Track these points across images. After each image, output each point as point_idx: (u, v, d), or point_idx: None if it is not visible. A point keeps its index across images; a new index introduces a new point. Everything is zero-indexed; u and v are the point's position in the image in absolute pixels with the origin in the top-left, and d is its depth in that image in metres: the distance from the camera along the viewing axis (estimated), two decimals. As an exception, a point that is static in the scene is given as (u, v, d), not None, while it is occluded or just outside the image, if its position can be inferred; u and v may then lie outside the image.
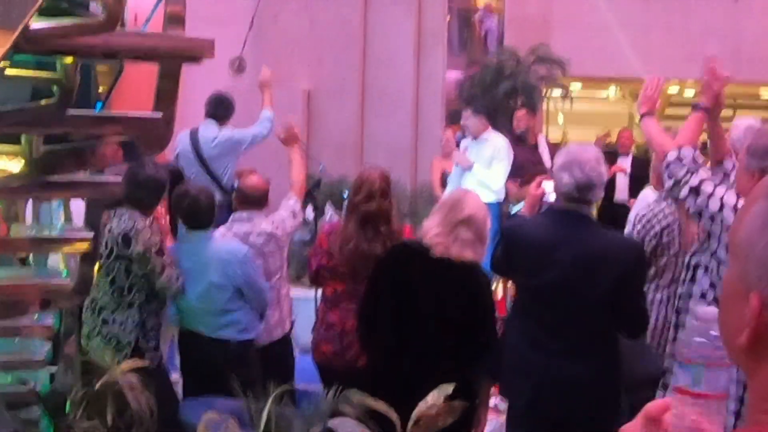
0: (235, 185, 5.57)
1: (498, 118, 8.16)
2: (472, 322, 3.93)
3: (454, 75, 11.49)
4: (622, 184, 9.90)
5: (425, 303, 3.94)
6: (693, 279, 3.59)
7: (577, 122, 13.87)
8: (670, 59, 11.18)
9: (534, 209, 4.25)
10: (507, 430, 3.99)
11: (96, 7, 2.56)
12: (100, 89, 3.34)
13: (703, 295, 3.53)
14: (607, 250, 3.67)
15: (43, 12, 2.23)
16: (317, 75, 9.85)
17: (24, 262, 4.40)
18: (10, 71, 2.74)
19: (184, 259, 4.69)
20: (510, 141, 7.97)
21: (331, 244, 4.67)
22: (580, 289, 3.64)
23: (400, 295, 3.98)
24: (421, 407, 3.30)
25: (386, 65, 9.86)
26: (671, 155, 3.51)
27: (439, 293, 3.93)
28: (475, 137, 7.78)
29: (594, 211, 4.22)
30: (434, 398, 3.31)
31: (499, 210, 7.42)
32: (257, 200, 5.05)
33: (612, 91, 15.28)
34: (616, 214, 8.35)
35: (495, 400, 4.91)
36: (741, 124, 4.51)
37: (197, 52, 2.65)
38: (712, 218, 3.39)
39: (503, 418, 4.24)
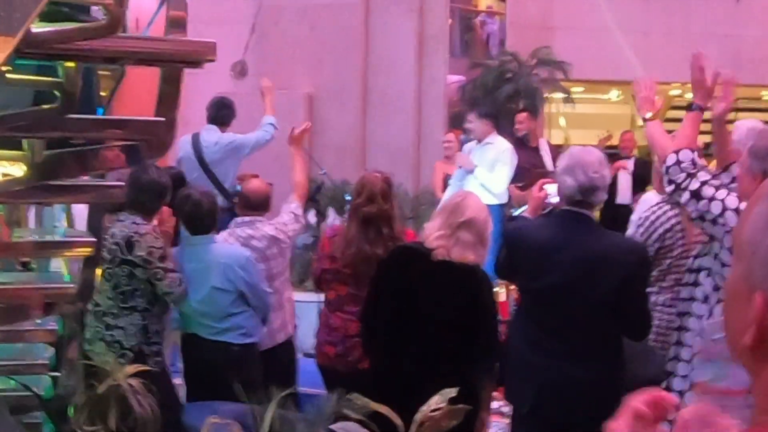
0: (238, 189, 5.57)
1: (500, 121, 8.15)
2: (473, 324, 3.93)
3: (456, 78, 11.49)
4: (624, 185, 9.90)
5: (427, 305, 3.94)
6: (696, 282, 3.58)
7: (578, 125, 13.86)
8: (671, 61, 11.15)
9: (537, 211, 4.26)
10: (510, 433, 3.99)
11: (98, 12, 2.56)
12: (103, 93, 3.34)
13: (706, 298, 3.52)
14: (609, 253, 3.67)
15: (45, 16, 2.23)
16: (319, 79, 9.84)
17: (27, 266, 4.40)
18: (11, 76, 2.74)
19: (187, 263, 4.69)
20: (512, 144, 7.97)
21: (333, 247, 4.68)
22: (582, 291, 3.64)
23: (401, 298, 3.99)
24: (424, 410, 3.29)
25: (388, 69, 9.86)
26: (670, 160, 3.50)
27: (440, 295, 3.93)
28: (480, 141, 7.78)
29: (596, 213, 4.21)
30: (437, 401, 3.30)
31: (501, 213, 7.42)
32: (259, 204, 5.05)
33: (613, 93, 15.27)
34: (617, 215, 8.34)
35: (499, 403, 4.91)
36: (743, 126, 4.49)
37: (199, 56, 2.65)
38: (714, 222, 3.38)
39: (507, 421, 4.24)
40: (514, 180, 7.75)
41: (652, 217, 4.77)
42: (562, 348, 3.69)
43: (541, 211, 4.27)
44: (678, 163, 3.47)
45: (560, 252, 3.67)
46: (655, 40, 11.97)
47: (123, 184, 3.84)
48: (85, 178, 3.28)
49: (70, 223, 4.39)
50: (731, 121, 3.96)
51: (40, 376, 4.06)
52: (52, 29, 2.32)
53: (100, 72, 3.29)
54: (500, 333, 4.33)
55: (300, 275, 7.68)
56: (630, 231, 5.00)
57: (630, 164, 10.12)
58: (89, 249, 3.31)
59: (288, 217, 5.09)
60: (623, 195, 9.78)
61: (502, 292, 6.14)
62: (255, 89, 7.47)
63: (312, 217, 7.94)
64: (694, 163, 3.47)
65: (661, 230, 4.71)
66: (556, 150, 9.04)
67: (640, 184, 9.34)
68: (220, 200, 5.49)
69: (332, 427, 3.52)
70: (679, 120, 3.92)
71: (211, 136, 7.16)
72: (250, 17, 9.73)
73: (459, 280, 3.91)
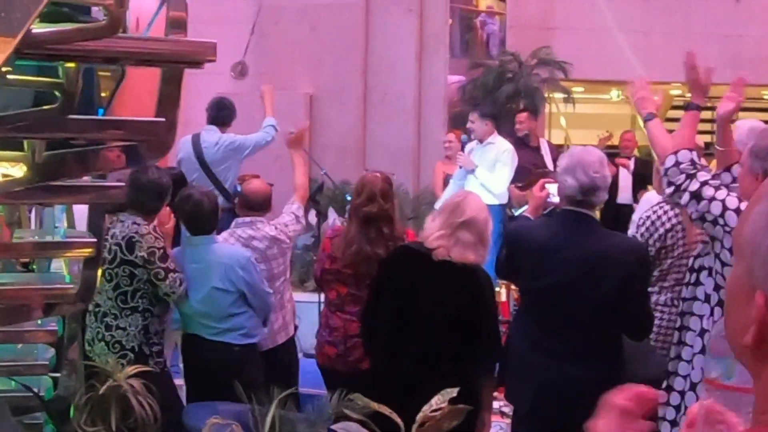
0: (238, 190, 5.58)
1: (500, 121, 8.16)
2: (474, 324, 3.93)
3: (456, 78, 11.49)
4: (625, 185, 9.91)
5: (427, 305, 3.94)
6: (697, 281, 3.58)
7: (579, 125, 13.86)
8: (672, 62, 11.12)
9: (538, 211, 4.26)
10: (511, 433, 3.99)
11: (98, 12, 2.55)
12: (103, 94, 3.34)
13: (707, 298, 3.51)
14: (610, 253, 3.67)
15: (45, 17, 2.22)
16: (319, 79, 9.84)
17: (27, 267, 4.40)
18: (12, 77, 2.74)
19: (187, 264, 4.68)
20: (512, 144, 7.97)
21: (334, 247, 4.68)
22: (583, 291, 3.64)
23: (402, 298, 3.99)
24: (425, 410, 3.29)
25: (388, 69, 9.85)
26: (668, 161, 3.49)
27: (441, 295, 3.93)
28: (481, 141, 7.79)
29: (597, 213, 4.21)
30: (438, 401, 3.30)
31: (502, 213, 7.42)
32: (260, 205, 5.05)
33: (614, 93, 15.27)
34: (619, 215, 8.35)
35: (500, 403, 4.91)
36: (744, 126, 4.49)
37: (199, 57, 2.65)
38: (714, 222, 3.38)
39: (508, 421, 4.24)
40: (515, 180, 7.75)
41: (653, 217, 4.76)
42: (562, 348, 3.69)
43: (542, 210, 4.28)
44: (677, 164, 3.47)
45: (561, 252, 3.67)
46: (655, 40, 11.97)
47: (123, 184, 3.84)
48: (86, 178, 3.28)
49: (71, 223, 4.38)
50: (732, 121, 3.94)
51: (40, 376, 4.06)
52: (52, 30, 2.31)
53: (101, 73, 3.29)
54: (501, 333, 4.33)
55: (301, 276, 7.69)
56: (631, 231, 5.00)
57: (630, 164, 10.14)
58: (90, 250, 3.30)
59: (289, 218, 5.09)
60: (624, 195, 9.79)
61: (503, 292, 6.14)
62: (255, 89, 7.48)
63: (312, 217, 7.94)
64: (693, 163, 3.47)
65: (662, 230, 4.71)
66: (557, 150, 9.05)
67: (640, 183, 9.35)
68: (221, 201, 5.49)
69: (333, 427, 3.52)
70: (679, 120, 3.91)
71: (212, 136, 7.16)
72: (250, 17, 9.73)
73: (460, 279, 3.91)
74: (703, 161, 3.67)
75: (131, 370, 4.28)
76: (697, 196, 3.40)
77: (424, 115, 10.04)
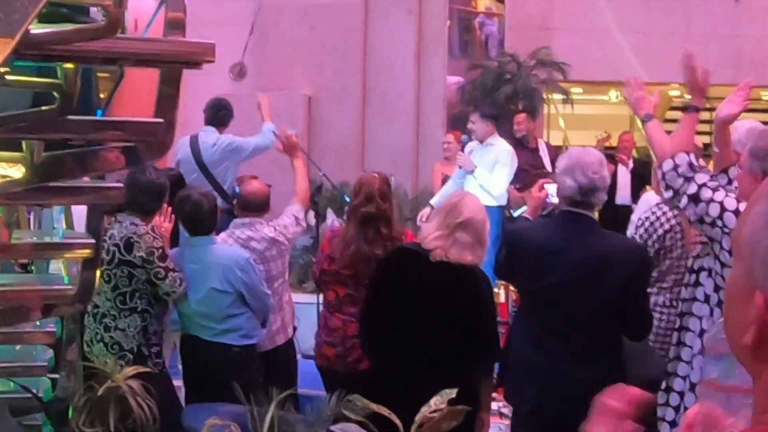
0: (237, 191, 5.57)
1: (499, 121, 8.16)
2: (472, 324, 3.93)
3: (455, 79, 11.50)
4: (624, 185, 9.91)
5: (426, 306, 3.94)
6: (696, 282, 3.58)
7: (577, 126, 13.86)
8: (671, 63, 11.13)
9: (537, 212, 4.26)
10: (511, 434, 3.98)
11: (96, 13, 2.55)
12: (102, 95, 3.33)
13: (706, 298, 3.51)
14: (610, 253, 3.67)
15: (44, 18, 2.22)
16: (318, 80, 9.85)
17: (26, 268, 4.39)
18: (10, 77, 2.74)
19: (186, 264, 4.68)
20: (510, 144, 7.98)
21: (332, 248, 4.68)
22: (583, 292, 3.63)
23: (400, 299, 3.99)
24: (424, 411, 3.29)
25: (387, 70, 9.86)
26: (666, 165, 3.48)
27: (439, 296, 3.93)
28: (481, 141, 7.79)
29: (596, 214, 4.21)
30: (437, 402, 3.30)
31: (501, 215, 7.42)
32: (258, 206, 5.05)
33: (613, 94, 15.27)
34: (617, 216, 8.35)
35: (499, 404, 4.90)
36: (742, 126, 4.49)
37: (198, 57, 2.65)
38: (713, 224, 3.37)
39: (507, 422, 4.23)
40: (513, 181, 7.76)
41: (652, 218, 4.76)
42: (562, 348, 3.68)
43: (541, 211, 4.28)
44: (675, 168, 3.46)
45: (560, 253, 3.67)
46: (655, 41, 11.96)
47: (122, 185, 3.83)
48: (85, 179, 3.27)
49: (69, 224, 4.38)
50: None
51: (39, 377, 4.06)
52: (50, 30, 2.31)
53: (99, 73, 3.29)
54: (500, 334, 4.33)
55: (299, 277, 7.69)
56: (630, 231, 5.00)
57: (629, 162, 10.15)
58: (88, 250, 3.29)
59: (289, 220, 5.09)
60: (623, 195, 9.80)
61: (501, 293, 6.14)
62: (254, 90, 7.48)
63: (311, 218, 7.93)
64: (691, 165, 3.46)
65: (660, 231, 4.71)
66: (555, 151, 9.05)
67: (639, 184, 9.35)
68: (219, 202, 5.48)
69: (332, 428, 3.52)
70: (678, 120, 3.91)
71: (210, 137, 7.16)
72: (249, 18, 9.74)
73: (458, 280, 3.91)
74: (702, 162, 3.67)
75: (130, 371, 4.28)
76: (695, 198, 3.39)
77: (423, 115, 10.05)
